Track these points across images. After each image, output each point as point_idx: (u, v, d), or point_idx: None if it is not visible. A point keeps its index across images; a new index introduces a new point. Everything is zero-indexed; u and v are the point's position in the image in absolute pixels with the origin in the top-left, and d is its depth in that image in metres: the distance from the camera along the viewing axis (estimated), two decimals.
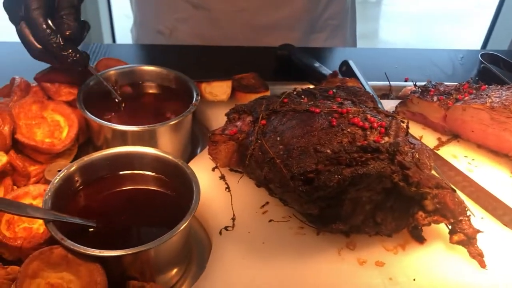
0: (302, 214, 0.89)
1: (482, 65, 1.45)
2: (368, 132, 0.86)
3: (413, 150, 0.84)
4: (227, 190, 0.97)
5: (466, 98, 1.08)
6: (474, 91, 1.09)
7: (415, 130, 1.15)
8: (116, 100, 1.07)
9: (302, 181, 0.80)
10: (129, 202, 0.85)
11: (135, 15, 1.71)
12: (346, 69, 1.32)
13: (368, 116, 0.90)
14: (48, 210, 0.76)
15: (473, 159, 1.08)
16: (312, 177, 0.80)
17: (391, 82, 1.35)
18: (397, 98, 1.32)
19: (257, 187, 0.98)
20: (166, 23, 1.59)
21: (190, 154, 1.11)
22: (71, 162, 0.99)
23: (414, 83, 1.21)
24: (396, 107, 1.21)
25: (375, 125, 0.87)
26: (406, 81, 1.40)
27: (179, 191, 0.86)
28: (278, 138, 0.89)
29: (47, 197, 0.79)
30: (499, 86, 1.09)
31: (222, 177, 1.00)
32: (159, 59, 1.49)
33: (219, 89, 1.15)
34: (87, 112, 0.98)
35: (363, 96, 1.04)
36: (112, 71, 1.11)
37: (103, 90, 1.07)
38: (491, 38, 3.24)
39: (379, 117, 0.91)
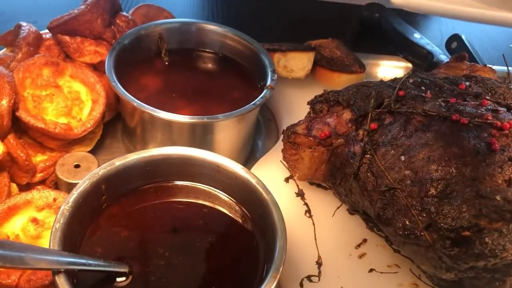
0: (423, 270, 0.62)
1: None
2: None
3: None
4: (307, 215, 0.70)
5: None
6: None
7: None
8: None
9: (450, 240, 0.52)
10: (177, 234, 0.58)
11: None
12: (457, 47, 1.00)
13: None
14: (59, 252, 0.49)
15: None
16: (467, 237, 0.51)
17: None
18: None
19: (350, 214, 0.70)
20: None
21: (250, 152, 0.82)
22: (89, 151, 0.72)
23: None
24: None
25: None
26: None
27: (253, 227, 0.59)
28: (403, 158, 0.60)
29: (58, 225, 0.51)
30: None
31: (300, 194, 0.72)
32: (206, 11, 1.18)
33: (297, 63, 0.84)
34: (120, 87, 0.69)
35: (506, 94, 0.73)
36: (157, 26, 0.80)
37: (143, 53, 0.78)
38: None
39: None
